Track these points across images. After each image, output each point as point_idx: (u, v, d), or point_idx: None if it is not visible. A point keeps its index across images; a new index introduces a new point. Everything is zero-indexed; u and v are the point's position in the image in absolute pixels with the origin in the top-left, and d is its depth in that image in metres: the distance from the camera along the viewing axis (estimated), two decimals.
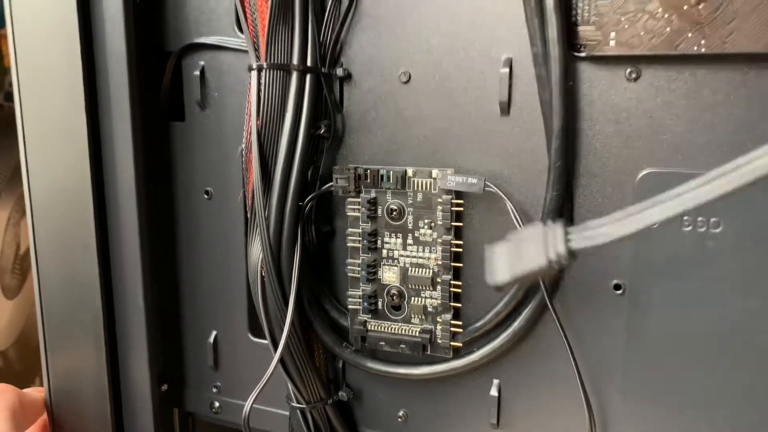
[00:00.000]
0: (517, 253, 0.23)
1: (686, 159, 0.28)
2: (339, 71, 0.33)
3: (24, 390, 0.40)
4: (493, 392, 0.33)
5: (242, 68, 0.36)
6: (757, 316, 0.28)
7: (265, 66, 0.31)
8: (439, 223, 0.32)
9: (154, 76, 0.38)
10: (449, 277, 0.32)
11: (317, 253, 0.36)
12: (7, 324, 0.69)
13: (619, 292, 0.30)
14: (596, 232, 0.21)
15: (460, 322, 0.33)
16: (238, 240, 0.38)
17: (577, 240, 0.21)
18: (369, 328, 0.35)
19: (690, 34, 0.26)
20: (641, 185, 0.29)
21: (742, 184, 0.18)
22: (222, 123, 0.37)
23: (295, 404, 0.36)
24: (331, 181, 0.34)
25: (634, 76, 0.28)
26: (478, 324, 0.33)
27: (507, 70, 0.30)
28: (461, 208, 0.32)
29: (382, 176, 0.33)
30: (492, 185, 0.30)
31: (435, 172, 0.32)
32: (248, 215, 0.34)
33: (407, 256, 0.33)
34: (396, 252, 0.33)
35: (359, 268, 0.34)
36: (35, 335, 0.40)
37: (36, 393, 0.41)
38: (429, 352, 0.34)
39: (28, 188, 0.38)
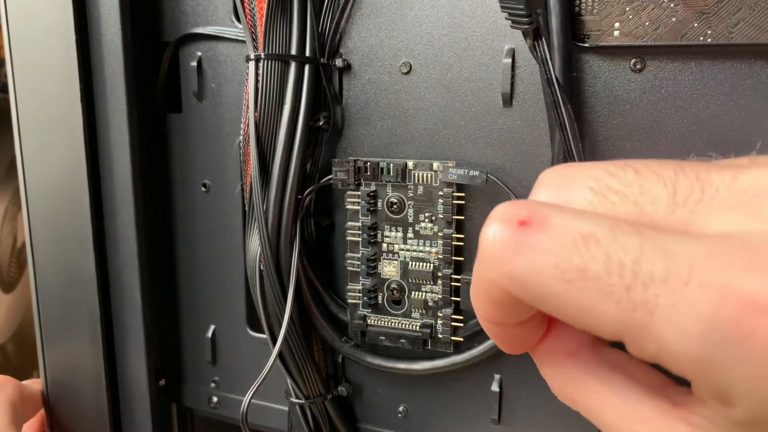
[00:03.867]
0: None
1: (691, 152, 0.27)
2: (338, 62, 0.33)
3: (24, 382, 0.39)
4: (495, 387, 0.33)
5: (240, 59, 0.36)
6: None
7: (263, 56, 0.31)
8: (440, 216, 0.32)
9: (151, 67, 0.38)
10: (450, 271, 0.32)
11: (316, 246, 0.36)
12: (4, 318, 0.69)
13: None
14: None
15: (461, 317, 0.33)
16: (236, 233, 0.38)
17: None
18: (369, 322, 0.34)
19: (696, 24, 0.26)
20: None
21: None
22: (219, 114, 0.37)
23: (294, 399, 0.35)
24: (331, 173, 0.33)
25: (638, 66, 0.28)
26: None
27: (509, 60, 0.29)
28: (462, 202, 0.32)
29: (382, 169, 0.32)
30: (494, 178, 0.30)
31: (436, 165, 0.31)
32: (246, 208, 0.34)
33: (408, 250, 0.33)
34: (396, 246, 0.33)
35: (359, 262, 0.34)
36: (33, 329, 0.40)
37: (36, 385, 0.40)
38: (429, 347, 0.33)
39: (23, 181, 0.37)
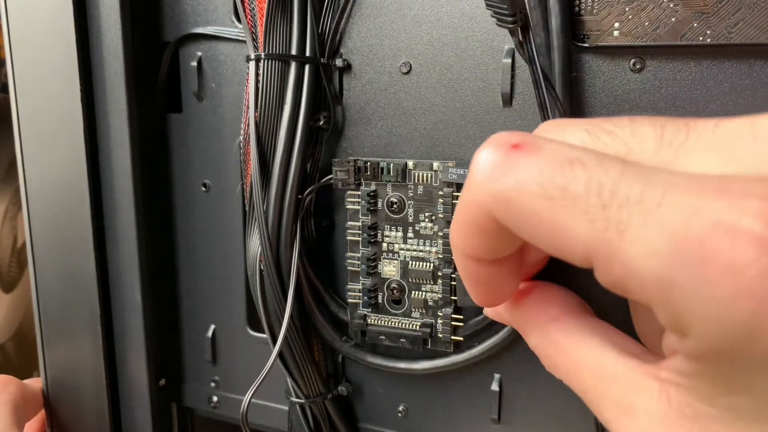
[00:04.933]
0: None
1: None
2: (338, 62, 0.33)
3: (25, 381, 0.39)
4: (494, 387, 0.33)
5: (240, 59, 0.36)
6: None
7: (263, 56, 0.31)
8: (440, 216, 0.32)
9: (151, 67, 0.38)
10: (450, 270, 0.32)
11: (316, 246, 0.36)
12: (4, 317, 0.69)
13: None
14: None
15: (461, 316, 0.33)
16: (236, 233, 0.38)
17: None
18: (369, 322, 0.34)
19: (695, 24, 0.26)
20: None
21: None
22: (219, 114, 0.37)
23: (294, 399, 0.35)
24: (331, 173, 0.33)
25: (638, 66, 0.28)
26: (480, 318, 0.32)
27: (509, 60, 0.29)
28: None
29: (382, 169, 0.32)
30: None
31: (436, 165, 0.31)
32: (246, 208, 0.34)
33: (408, 250, 0.33)
34: (396, 245, 0.33)
35: (359, 262, 0.34)
36: (33, 329, 0.40)
37: (38, 384, 0.40)
38: (429, 347, 0.34)
39: (23, 181, 0.37)
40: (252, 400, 0.33)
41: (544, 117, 0.27)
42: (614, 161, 0.15)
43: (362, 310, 0.34)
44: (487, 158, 0.16)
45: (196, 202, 0.39)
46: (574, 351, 0.19)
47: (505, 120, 0.30)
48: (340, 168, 0.33)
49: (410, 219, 0.32)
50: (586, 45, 0.28)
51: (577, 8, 0.27)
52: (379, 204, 0.33)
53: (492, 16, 0.25)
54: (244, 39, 0.34)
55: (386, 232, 0.33)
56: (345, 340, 0.35)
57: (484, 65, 0.30)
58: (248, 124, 0.31)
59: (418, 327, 0.33)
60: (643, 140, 0.16)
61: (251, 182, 0.32)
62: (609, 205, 0.14)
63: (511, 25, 0.25)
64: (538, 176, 0.15)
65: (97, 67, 0.35)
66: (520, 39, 0.26)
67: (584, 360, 0.18)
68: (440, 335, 0.33)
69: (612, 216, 0.14)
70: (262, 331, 0.34)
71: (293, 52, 0.31)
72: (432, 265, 0.32)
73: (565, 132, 0.17)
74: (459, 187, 0.31)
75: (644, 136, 0.16)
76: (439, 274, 0.32)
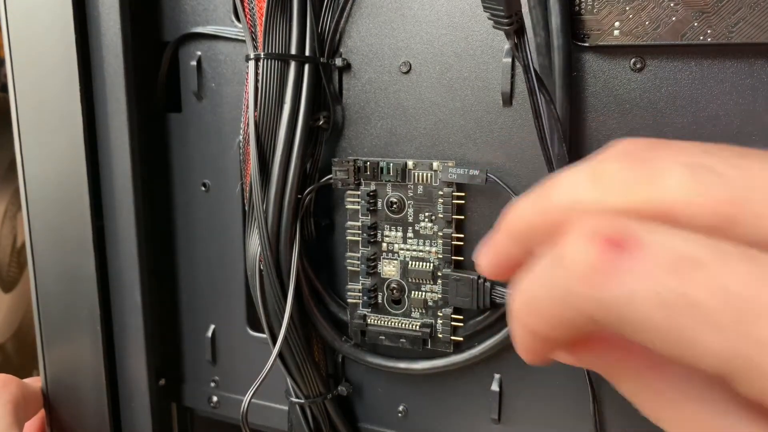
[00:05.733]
0: None
1: None
2: (338, 61, 0.33)
3: (25, 380, 0.39)
4: (494, 387, 0.33)
5: (240, 58, 0.36)
6: None
7: (262, 56, 0.31)
8: (440, 216, 0.32)
9: (151, 67, 0.38)
10: (450, 270, 0.32)
11: (316, 246, 0.36)
12: (4, 317, 0.69)
13: None
14: None
15: (461, 316, 0.33)
16: (236, 233, 0.38)
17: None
18: (369, 322, 0.34)
19: (696, 24, 0.26)
20: None
21: None
22: (219, 114, 0.37)
23: (294, 399, 0.35)
24: (331, 173, 0.33)
25: (638, 66, 0.28)
26: (479, 318, 0.32)
27: (509, 60, 0.29)
28: (462, 201, 0.32)
29: (381, 168, 0.32)
30: (494, 177, 0.30)
31: (436, 165, 0.31)
32: (246, 208, 0.33)
33: (407, 250, 0.33)
34: (396, 245, 0.33)
35: (359, 262, 0.34)
36: (33, 329, 0.40)
37: (38, 383, 0.40)
38: (429, 347, 0.33)
39: (23, 181, 0.37)
40: (252, 400, 0.33)
41: (539, 124, 0.27)
42: (739, 257, 0.12)
43: (362, 310, 0.34)
44: (584, 258, 0.13)
45: (195, 202, 0.39)
46: (686, 405, 0.16)
47: (505, 119, 0.30)
48: (339, 168, 0.33)
49: (410, 219, 0.32)
50: (587, 44, 0.28)
51: (577, 7, 0.27)
52: (379, 204, 0.33)
53: (489, 18, 0.25)
54: (243, 38, 0.34)
55: (386, 232, 0.33)
56: (345, 340, 0.35)
57: (484, 65, 0.30)
58: (248, 124, 0.31)
59: (418, 327, 0.33)
60: (754, 187, 0.13)
61: (251, 182, 0.32)
62: (743, 319, 0.12)
63: (506, 27, 0.25)
64: (651, 284, 0.13)
65: (96, 67, 0.35)
66: (516, 42, 0.25)
67: (702, 418, 0.15)
68: (440, 335, 0.33)
69: (745, 329, 0.12)
70: (262, 331, 0.34)
71: (293, 51, 0.31)
72: (432, 265, 0.32)
73: (658, 167, 0.15)
74: (459, 186, 0.31)
75: (756, 180, 0.14)
76: (439, 274, 0.32)
